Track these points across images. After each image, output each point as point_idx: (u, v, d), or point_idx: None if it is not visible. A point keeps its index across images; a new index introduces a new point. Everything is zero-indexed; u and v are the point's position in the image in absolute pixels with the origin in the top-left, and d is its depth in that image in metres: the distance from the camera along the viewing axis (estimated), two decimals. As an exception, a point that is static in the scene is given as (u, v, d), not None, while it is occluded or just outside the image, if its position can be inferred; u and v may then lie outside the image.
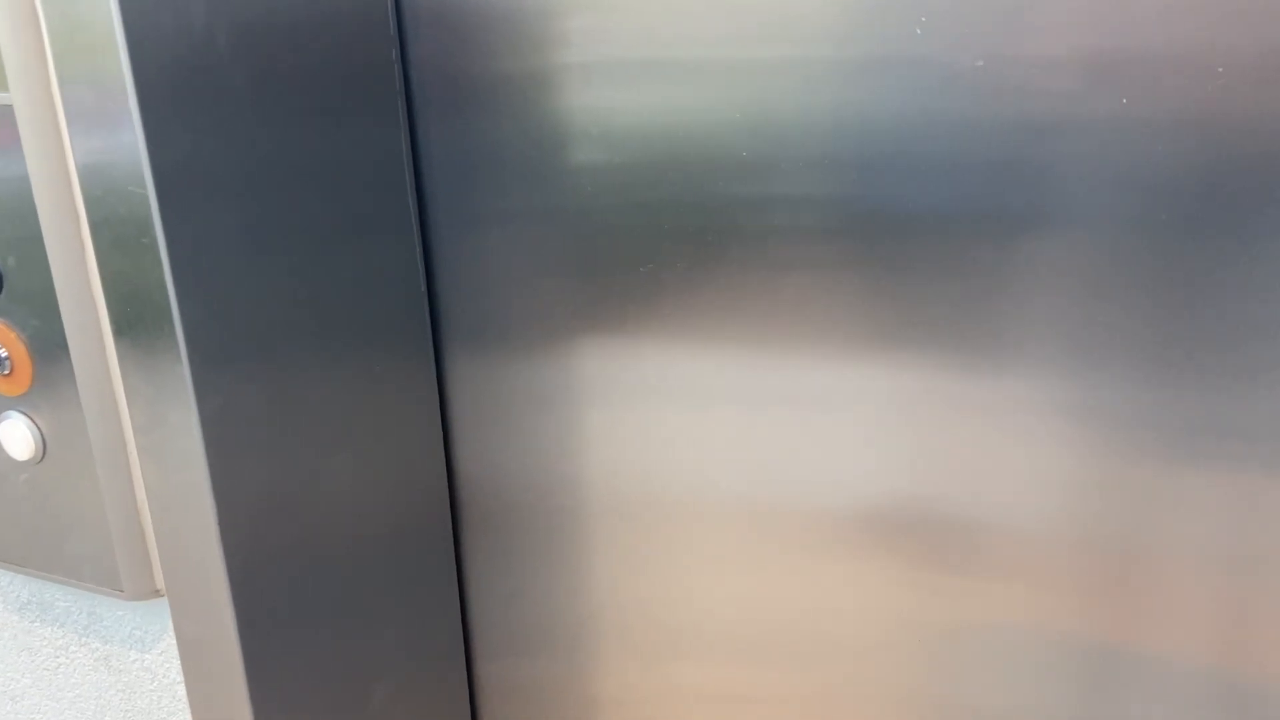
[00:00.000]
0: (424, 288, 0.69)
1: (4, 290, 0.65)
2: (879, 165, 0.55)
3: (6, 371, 0.67)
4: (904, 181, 0.55)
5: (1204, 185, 0.50)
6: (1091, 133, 0.51)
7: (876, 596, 0.64)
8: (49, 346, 0.65)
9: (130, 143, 0.50)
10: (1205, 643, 0.57)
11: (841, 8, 0.53)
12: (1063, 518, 0.58)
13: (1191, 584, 0.56)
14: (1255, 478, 0.53)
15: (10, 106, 0.60)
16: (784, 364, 0.62)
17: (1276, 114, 0.48)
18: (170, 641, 0.75)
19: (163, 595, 0.72)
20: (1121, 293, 0.53)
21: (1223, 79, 0.48)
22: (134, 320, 0.54)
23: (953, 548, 0.61)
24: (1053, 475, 0.57)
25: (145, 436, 0.56)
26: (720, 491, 0.66)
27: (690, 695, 0.72)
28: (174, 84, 0.51)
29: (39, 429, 0.67)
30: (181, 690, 0.76)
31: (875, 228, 0.57)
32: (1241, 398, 0.52)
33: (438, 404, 0.71)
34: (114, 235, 0.53)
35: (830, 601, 0.65)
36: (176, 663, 0.76)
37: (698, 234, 0.61)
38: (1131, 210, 0.52)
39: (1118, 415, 0.55)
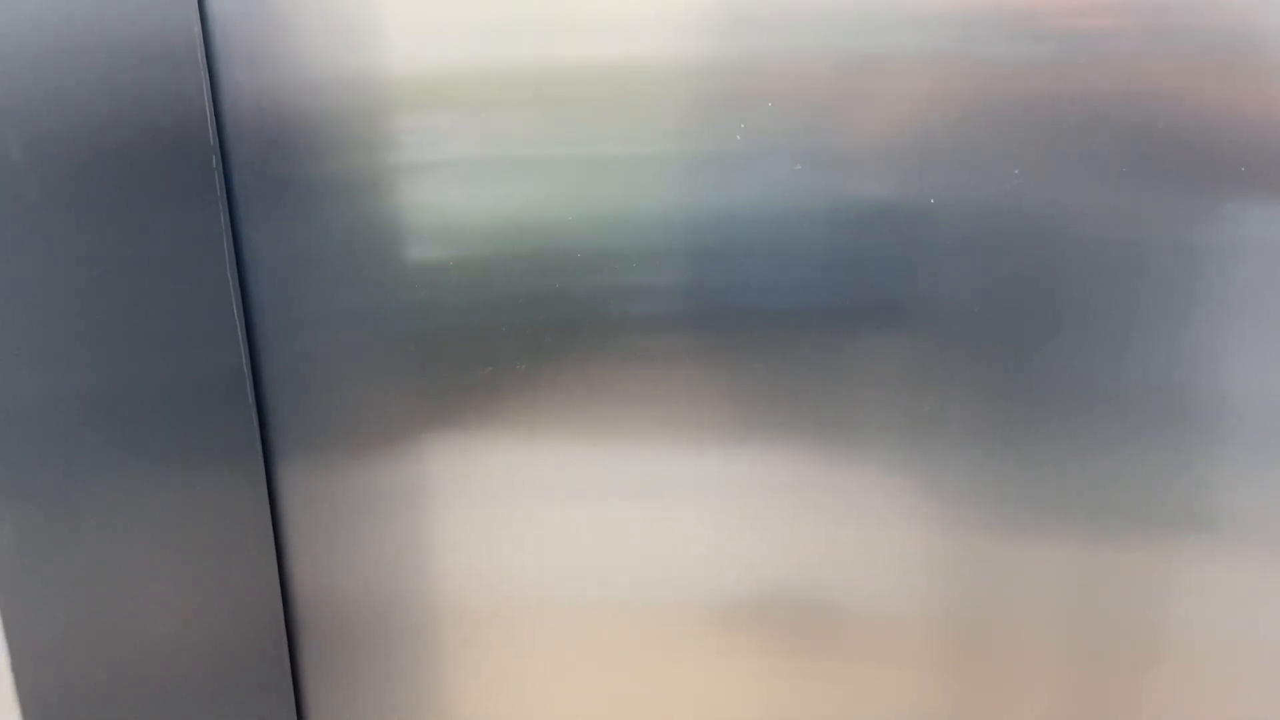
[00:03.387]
0: (251, 395, 0.66)
1: None
2: (714, 256, 0.57)
3: None
4: (739, 271, 0.56)
5: (1017, 269, 0.53)
6: (904, 227, 0.53)
7: (737, 688, 0.64)
8: None
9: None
10: (1057, 713, 0.59)
11: (664, 109, 0.55)
12: (918, 595, 0.59)
13: (1041, 654, 0.58)
14: (1096, 547, 0.55)
15: None
16: (630, 457, 0.61)
17: (1068, 204, 0.51)
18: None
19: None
20: (954, 375, 0.55)
21: (1019, 177, 0.51)
22: (-87, 452, 0.50)
23: (815, 633, 0.61)
24: (902, 555, 0.58)
25: (-73, 579, 0.51)
26: (572, 592, 0.65)
27: (546, 811, 0.70)
28: (-41, 198, 0.48)
29: None
30: None
31: (714, 317, 0.58)
32: (1077, 472, 0.54)
33: (269, 517, 0.68)
34: (-110, 360, 0.49)
35: (691, 696, 0.65)
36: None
37: (536, 329, 0.61)
38: (955, 295, 0.54)
39: (963, 494, 0.57)
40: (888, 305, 0.55)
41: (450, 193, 0.60)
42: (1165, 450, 0.53)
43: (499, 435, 0.63)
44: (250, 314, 0.66)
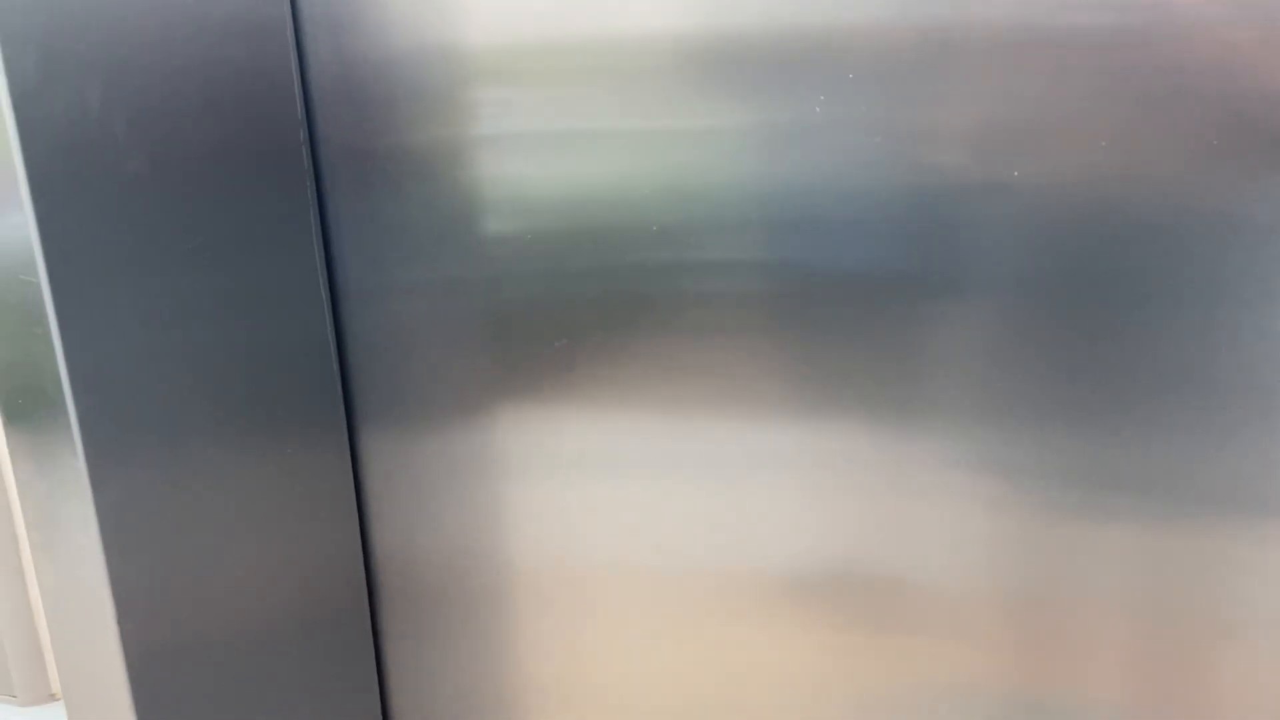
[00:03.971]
0: (335, 363, 0.68)
1: (-114, 383, 0.62)
2: (788, 230, 0.57)
3: (-111, 467, 0.64)
4: (813, 246, 0.56)
5: (1096, 247, 0.52)
6: (985, 201, 0.53)
7: (804, 660, 0.64)
8: (-65, 440, 0.62)
9: (21, 230, 0.49)
10: (1125, 695, 0.58)
11: (743, 81, 0.55)
12: (985, 574, 0.59)
13: (1108, 636, 0.57)
14: (1166, 529, 0.55)
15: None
16: (702, 430, 0.62)
17: (1153, 180, 0.50)
18: (69, 745, 0.72)
19: (59, 700, 0.69)
20: (1031, 350, 0.55)
21: (1106, 149, 0.50)
22: (26, 413, 0.52)
23: (879, 608, 0.61)
24: (974, 532, 0.58)
25: (39, 533, 0.54)
26: (642, 561, 0.66)
27: (617, 772, 0.71)
28: (67, 171, 0.50)
29: (-75, 527, 0.65)
30: (82, 795, 0.73)
31: (787, 292, 0.58)
32: (1149, 450, 0.54)
33: (352, 482, 0.70)
34: (5, 326, 0.51)
35: (758, 667, 0.65)
36: (75, 768, 0.72)
37: (611, 302, 0.61)
38: (1033, 271, 0.53)
39: (1033, 471, 0.56)
40: (964, 279, 0.54)
41: (528, 165, 0.61)
42: (1250, 433, 0.52)
43: (572, 406, 0.64)
44: (335, 284, 0.67)
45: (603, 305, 0.61)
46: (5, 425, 0.53)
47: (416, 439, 0.69)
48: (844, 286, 0.57)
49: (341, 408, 0.69)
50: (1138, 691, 0.58)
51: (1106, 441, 0.54)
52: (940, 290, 0.55)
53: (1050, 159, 0.51)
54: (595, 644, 0.69)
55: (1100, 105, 0.50)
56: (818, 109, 0.54)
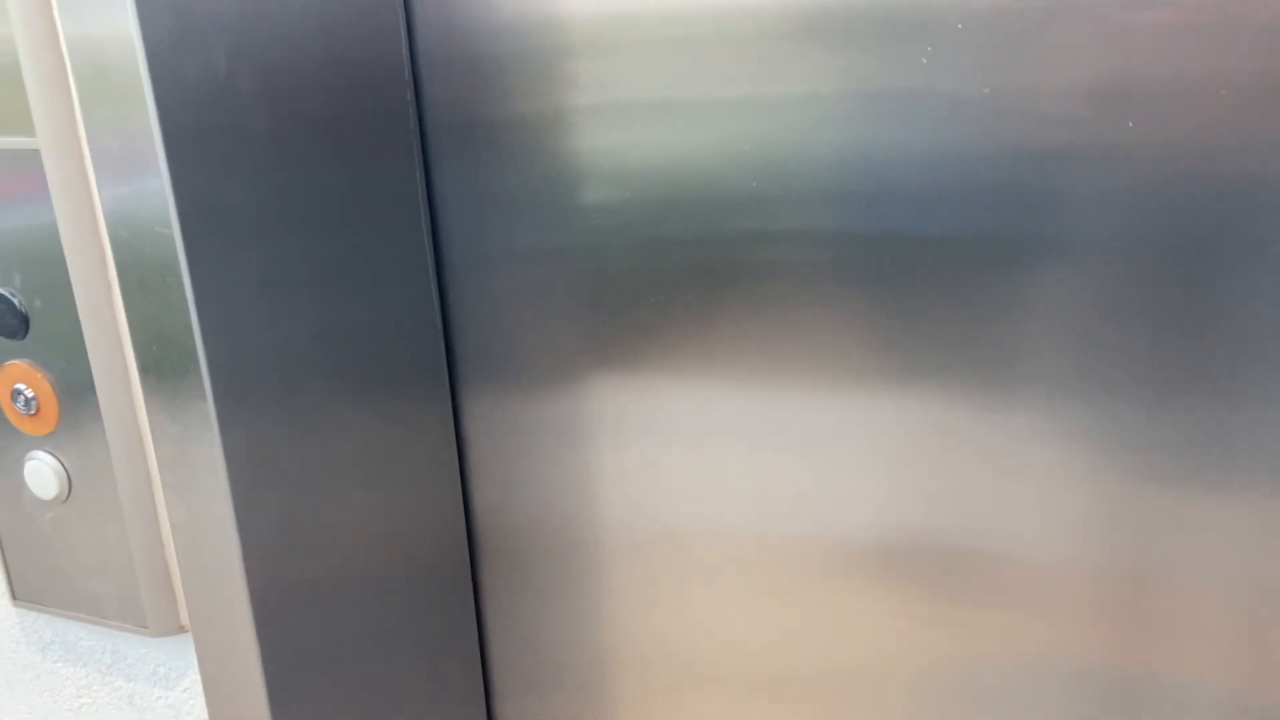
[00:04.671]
0: (440, 326, 0.69)
1: (31, 332, 0.66)
2: (886, 196, 0.56)
3: (33, 412, 0.68)
4: (911, 211, 0.56)
5: (1211, 207, 0.51)
6: (1097, 157, 0.52)
7: (891, 629, 0.64)
8: (75, 387, 0.66)
9: (156, 184, 0.52)
10: (1221, 670, 0.57)
11: (847, 41, 0.54)
12: (1076, 546, 0.58)
13: (1207, 611, 0.56)
14: (1269, 501, 0.53)
15: (37, 151, 0.62)
16: (795, 396, 0.62)
17: (1271, 138, 0.49)
18: (194, 678, 0.76)
19: (187, 631, 0.72)
20: (1130, 317, 0.53)
21: (1226, 101, 0.49)
22: (159, 360, 0.55)
23: (968, 579, 0.61)
24: (1065, 503, 0.57)
25: (170, 474, 0.57)
26: (734, 525, 0.66)
27: (711, 727, 0.72)
28: (198, 127, 0.52)
29: (65, 468, 0.68)
30: (204, 729, 0.76)
31: (883, 258, 0.57)
32: (1254, 419, 0.52)
33: (454, 440, 0.72)
34: (140, 276, 0.54)
35: (845, 634, 0.65)
36: (201, 700, 0.76)
37: (707, 269, 0.61)
38: (1139, 233, 0.52)
39: (1129, 441, 0.55)
40: (1067, 242, 0.53)
41: (629, 134, 0.61)
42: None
43: (668, 369, 0.65)
44: (439, 248, 0.69)
45: (698, 273, 0.62)
46: (140, 371, 0.56)
47: (517, 401, 0.70)
48: (940, 252, 0.56)
49: (445, 368, 0.70)
50: (1235, 670, 0.56)
51: (1212, 411, 0.53)
52: (1043, 254, 0.54)
53: (1165, 113, 0.50)
54: (685, 605, 0.70)
55: (1219, 57, 0.49)
56: (924, 60, 0.53)
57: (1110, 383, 0.54)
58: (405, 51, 0.64)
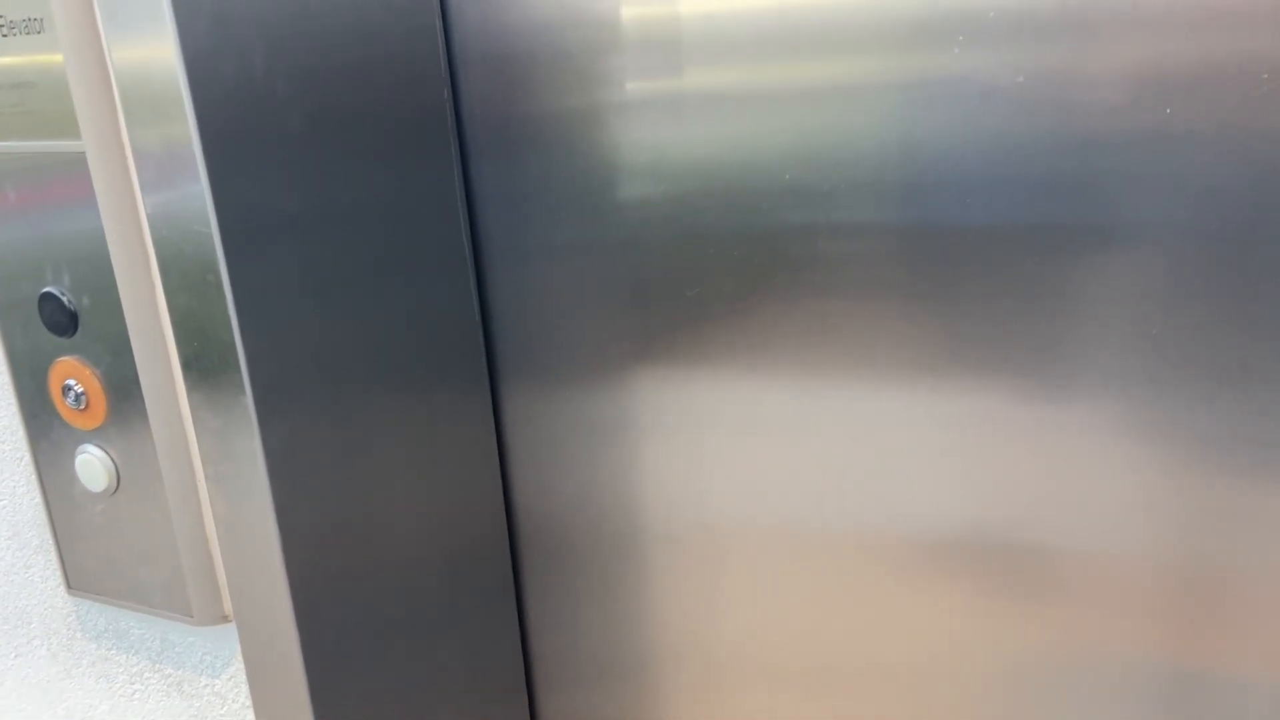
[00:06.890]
0: (479, 321, 0.70)
1: (80, 329, 0.68)
2: (924, 186, 0.56)
3: (83, 406, 0.70)
4: (951, 200, 0.55)
5: (1252, 193, 0.49)
6: (1138, 143, 0.51)
7: (938, 624, 0.63)
8: (122, 382, 0.67)
9: (195, 185, 0.53)
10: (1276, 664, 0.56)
11: (878, 30, 0.54)
12: (1131, 540, 0.57)
13: (1259, 605, 0.55)
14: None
15: (83, 154, 0.63)
16: (838, 389, 0.62)
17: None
18: (239, 666, 0.77)
19: (231, 621, 0.73)
20: (1181, 304, 0.52)
21: (1267, 85, 0.48)
22: (201, 356, 0.56)
23: (1013, 573, 0.60)
24: (1117, 496, 0.56)
25: (213, 467, 0.58)
26: (777, 519, 0.66)
27: (749, 720, 0.72)
28: (236, 128, 0.53)
29: (113, 461, 0.70)
30: (251, 715, 0.78)
31: (923, 248, 0.57)
32: (1302, 409, 0.51)
33: (494, 435, 0.72)
34: (181, 275, 0.55)
35: (892, 630, 0.65)
36: (245, 687, 0.77)
37: (744, 261, 0.61)
38: (1184, 219, 0.51)
39: (1184, 432, 0.54)
40: (1118, 230, 0.52)
41: (665, 128, 0.61)
42: None
43: (709, 362, 0.65)
44: (477, 243, 0.69)
45: (735, 266, 0.62)
46: (182, 367, 0.57)
47: (556, 395, 0.71)
48: (982, 241, 0.55)
49: (484, 363, 0.71)
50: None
51: (1263, 397, 0.52)
52: (1092, 243, 0.53)
53: (1205, 99, 0.49)
54: (728, 599, 0.70)
55: (1259, 41, 0.47)
56: (955, 49, 0.52)
57: (1163, 372, 0.53)
58: (442, 50, 0.64)
